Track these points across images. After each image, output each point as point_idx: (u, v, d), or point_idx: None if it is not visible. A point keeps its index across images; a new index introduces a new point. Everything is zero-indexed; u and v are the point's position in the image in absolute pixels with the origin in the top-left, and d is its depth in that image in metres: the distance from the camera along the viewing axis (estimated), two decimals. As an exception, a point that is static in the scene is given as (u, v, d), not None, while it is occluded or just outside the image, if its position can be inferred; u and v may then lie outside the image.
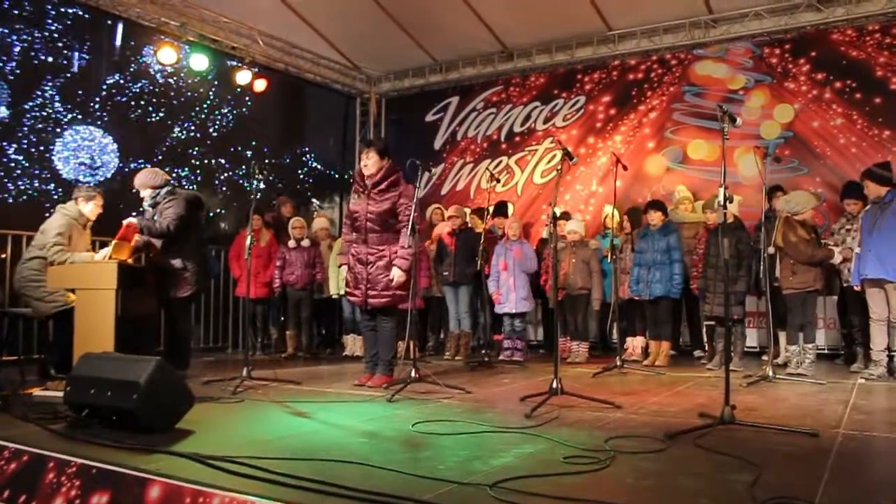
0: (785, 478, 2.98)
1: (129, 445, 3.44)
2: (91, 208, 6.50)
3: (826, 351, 8.38)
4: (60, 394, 4.32)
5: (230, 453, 3.19)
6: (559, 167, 5.36)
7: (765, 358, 7.26)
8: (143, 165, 11.94)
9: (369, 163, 5.89)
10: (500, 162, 11.18)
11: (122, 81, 12.05)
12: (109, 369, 4.06)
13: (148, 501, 2.90)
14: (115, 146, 11.56)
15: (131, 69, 12.16)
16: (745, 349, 7.95)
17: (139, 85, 12.29)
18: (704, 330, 7.77)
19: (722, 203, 4.21)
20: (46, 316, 6.26)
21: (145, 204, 6.73)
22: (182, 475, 2.92)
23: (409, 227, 5.71)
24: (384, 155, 5.93)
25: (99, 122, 11.45)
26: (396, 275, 5.77)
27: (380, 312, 5.98)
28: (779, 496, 2.59)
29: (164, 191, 6.62)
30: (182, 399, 4.12)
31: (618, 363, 6.95)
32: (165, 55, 9.14)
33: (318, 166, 14.51)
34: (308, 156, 14.57)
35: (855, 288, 6.74)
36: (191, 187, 12.76)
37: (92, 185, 6.81)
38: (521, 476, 2.89)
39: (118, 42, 11.60)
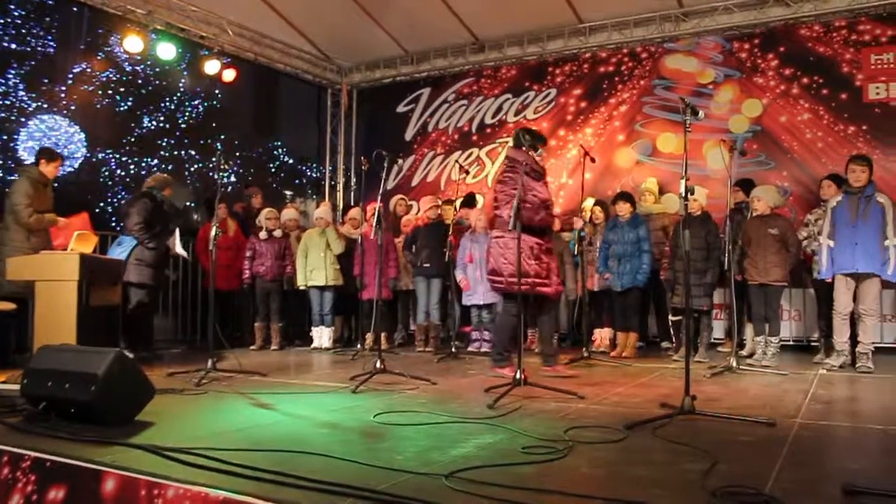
0: (739, 467, 3.02)
1: (86, 438, 3.40)
2: (51, 169, 6.79)
3: (791, 343, 8.48)
4: (18, 386, 4.26)
5: (188, 445, 3.18)
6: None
7: (727, 349, 7.32)
8: (111, 156, 11.83)
9: None
10: (471, 154, 11.17)
11: (88, 70, 11.89)
12: (68, 361, 4.01)
13: (104, 494, 2.88)
14: (83, 136, 11.40)
15: (98, 57, 12.00)
16: (713, 340, 8.03)
17: (106, 74, 12.13)
18: (671, 321, 7.83)
19: (683, 195, 4.23)
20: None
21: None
22: (138, 467, 2.89)
23: None
24: None
25: (65, 111, 11.29)
26: None
27: None
28: (730, 485, 2.62)
29: None
30: (142, 391, 4.09)
31: (584, 354, 7.00)
32: (132, 43, 8.99)
33: (290, 160, 14.43)
34: (280, 150, 14.49)
35: (827, 280, 6.62)
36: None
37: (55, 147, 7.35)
38: (477, 466, 2.90)
39: (84, 29, 11.43)
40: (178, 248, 7.62)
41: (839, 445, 3.63)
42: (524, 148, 5.93)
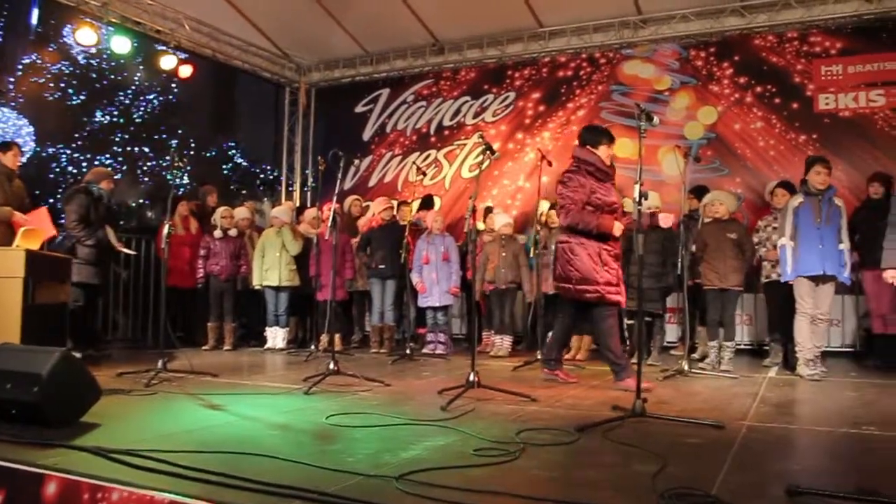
0: (688, 469, 3.05)
1: (28, 440, 3.31)
2: (10, 158, 6.74)
3: (743, 346, 8.62)
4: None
5: (135, 447, 3.11)
6: (482, 162, 5.39)
7: (680, 353, 7.41)
8: (62, 151, 11.57)
9: None
10: (429, 155, 11.17)
11: (39, 62, 11.59)
12: (10, 361, 3.89)
13: (45, 498, 2.79)
14: (31, 129, 11.13)
15: (50, 49, 11.71)
16: (666, 344, 8.12)
17: (58, 66, 11.84)
18: (626, 324, 7.89)
19: (637, 200, 4.27)
20: None
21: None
22: (81, 470, 2.81)
23: None
24: None
25: (13, 103, 11.00)
26: None
27: None
28: (679, 486, 2.65)
29: None
30: (88, 391, 3.98)
31: (538, 357, 7.03)
32: (85, 36, 8.80)
33: (244, 162, 14.26)
34: (234, 150, 14.30)
35: (789, 282, 6.48)
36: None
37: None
38: (428, 468, 2.89)
39: (34, 20, 11.15)
40: (116, 244, 7.58)
41: (785, 447, 3.69)
42: (588, 147, 5.60)
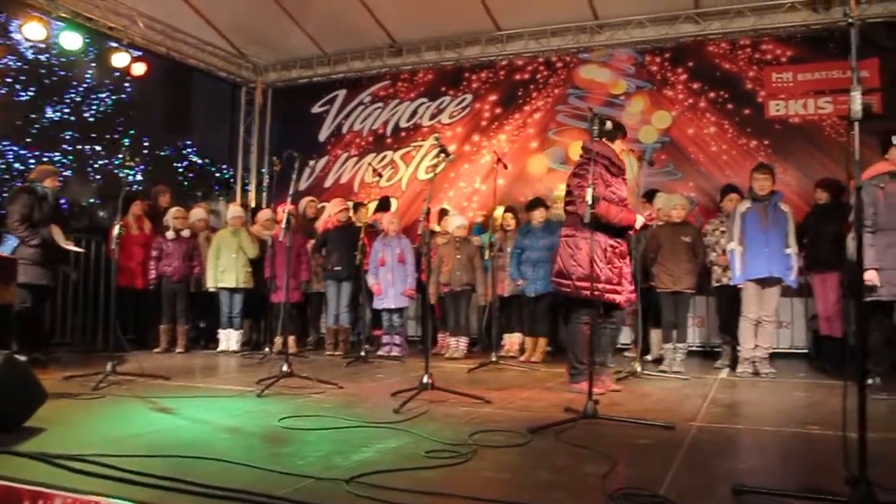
0: (637, 469, 3.09)
1: (-33, 445, 3.22)
2: None
3: (694, 348, 8.74)
4: None
5: (81, 451, 3.03)
6: (437, 164, 5.38)
7: (633, 355, 7.50)
8: (8, 148, 11.28)
9: None
10: (385, 157, 11.15)
11: (-15, 56, 11.31)
12: (-50, 363, 3.78)
13: (-17, 505, 2.72)
14: (-23, 125, 10.83)
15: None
16: (619, 346, 8.19)
17: (4, 61, 11.54)
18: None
19: (590, 203, 4.30)
20: None
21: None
22: (23, 476, 2.74)
23: None
24: None
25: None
26: None
27: None
28: (628, 487, 2.68)
29: None
30: (33, 395, 3.89)
31: (493, 359, 7.06)
32: (32, 30, 8.57)
33: (199, 161, 14.04)
34: (190, 148, 14.07)
35: (739, 286, 6.65)
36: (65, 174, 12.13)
37: None
38: (379, 470, 2.88)
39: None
40: (63, 243, 7.27)
41: (734, 447, 3.76)
42: (602, 140, 5.28)
